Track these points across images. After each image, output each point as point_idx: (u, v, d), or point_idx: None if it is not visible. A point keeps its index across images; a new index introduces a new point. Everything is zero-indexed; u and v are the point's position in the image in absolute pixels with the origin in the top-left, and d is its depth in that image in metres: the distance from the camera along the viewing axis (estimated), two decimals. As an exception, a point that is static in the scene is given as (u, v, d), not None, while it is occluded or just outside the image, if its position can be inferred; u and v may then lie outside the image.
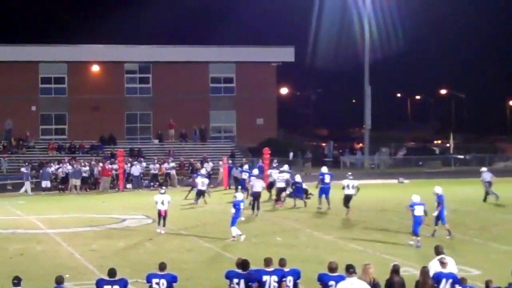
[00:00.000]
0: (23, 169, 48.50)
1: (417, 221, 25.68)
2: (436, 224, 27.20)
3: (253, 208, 34.33)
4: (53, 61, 64.28)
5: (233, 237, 26.66)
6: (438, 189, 27.43)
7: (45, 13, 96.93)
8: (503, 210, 35.17)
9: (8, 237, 28.52)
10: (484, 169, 40.43)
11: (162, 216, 29.06)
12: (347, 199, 33.44)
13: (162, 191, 30.32)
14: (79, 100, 63.99)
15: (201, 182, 38.48)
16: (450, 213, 33.86)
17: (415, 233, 25.61)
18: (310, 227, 30.13)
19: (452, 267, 15.80)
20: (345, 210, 33.38)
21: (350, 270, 14.23)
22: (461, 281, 15.20)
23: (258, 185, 35.47)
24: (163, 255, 23.02)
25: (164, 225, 29.05)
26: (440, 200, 27.24)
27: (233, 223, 26.89)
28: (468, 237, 27.13)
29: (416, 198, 26.15)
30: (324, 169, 37.04)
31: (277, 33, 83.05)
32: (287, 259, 15.45)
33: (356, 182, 33.88)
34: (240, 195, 28.41)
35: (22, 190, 47.27)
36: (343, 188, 33.78)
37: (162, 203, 29.00)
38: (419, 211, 25.74)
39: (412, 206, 26.05)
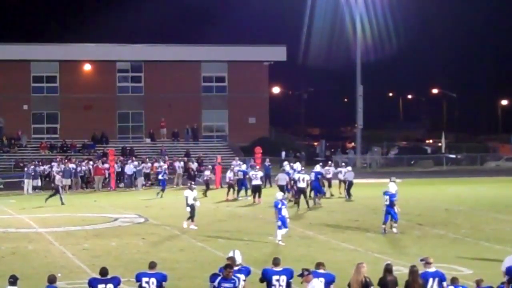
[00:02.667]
0: (31, 167, 48.13)
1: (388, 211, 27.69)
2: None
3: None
4: (45, 60, 64.21)
5: (279, 240, 25.55)
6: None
7: (37, 12, 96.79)
8: (496, 209, 35.21)
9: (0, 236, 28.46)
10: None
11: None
12: (300, 192, 35.11)
13: (193, 187, 30.06)
14: (71, 99, 63.93)
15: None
16: (442, 213, 34.04)
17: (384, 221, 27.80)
18: (303, 226, 30.12)
19: None
20: (296, 206, 34.91)
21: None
22: (452, 280, 15.24)
23: (282, 178, 37.88)
24: (155, 255, 23.00)
25: (192, 220, 29.18)
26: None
27: (280, 226, 25.67)
28: (460, 236, 27.18)
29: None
30: (317, 167, 38.49)
31: (269, 32, 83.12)
32: (280, 258, 15.45)
33: (307, 176, 35.65)
34: (280, 194, 27.29)
35: (25, 188, 46.88)
36: (295, 182, 35.68)
37: (194, 199, 28.99)
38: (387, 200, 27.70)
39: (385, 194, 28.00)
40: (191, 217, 29.14)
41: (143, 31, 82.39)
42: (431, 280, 15.17)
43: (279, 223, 25.50)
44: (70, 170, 47.48)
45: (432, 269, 15.39)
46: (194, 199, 29.00)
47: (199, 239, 26.95)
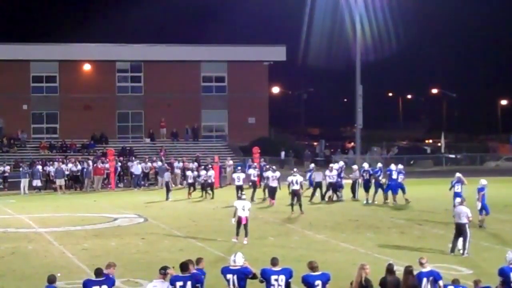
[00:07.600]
0: (27, 167, 48.01)
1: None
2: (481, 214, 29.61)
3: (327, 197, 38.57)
4: (45, 60, 64.13)
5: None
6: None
7: (36, 12, 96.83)
8: (496, 209, 35.18)
9: (-1, 236, 28.47)
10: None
11: (242, 224, 26.15)
12: (295, 195, 34.51)
13: (243, 196, 27.83)
14: (71, 98, 63.89)
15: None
16: (442, 213, 34.04)
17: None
18: (302, 226, 30.11)
19: None
20: (291, 209, 34.12)
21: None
22: (454, 281, 15.22)
23: (318, 176, 38.94)
24: (155, 255, 23.02)
25: (246, 234, 26.11)
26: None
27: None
28: (460, 237, 27.10)
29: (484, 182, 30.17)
30: (393, 166, 38.54)
31: (269, 32, 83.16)
32: (279, 259, 15.42)
33: (300, 178, 35.17)
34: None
35: (22, 189, 46.81)
36: (289, 185, 35.24)
37: (243, 208, 26.18)
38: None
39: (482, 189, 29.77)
40: (245, 229, 26.49)
41: (143, 31, 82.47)
42: (425, 280, 15.13)
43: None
44: (63, 170, 47.34)
45: (426, 269, 15.35)
46: (243, 209, 26.24)
47: (199, 239, 26.94)
